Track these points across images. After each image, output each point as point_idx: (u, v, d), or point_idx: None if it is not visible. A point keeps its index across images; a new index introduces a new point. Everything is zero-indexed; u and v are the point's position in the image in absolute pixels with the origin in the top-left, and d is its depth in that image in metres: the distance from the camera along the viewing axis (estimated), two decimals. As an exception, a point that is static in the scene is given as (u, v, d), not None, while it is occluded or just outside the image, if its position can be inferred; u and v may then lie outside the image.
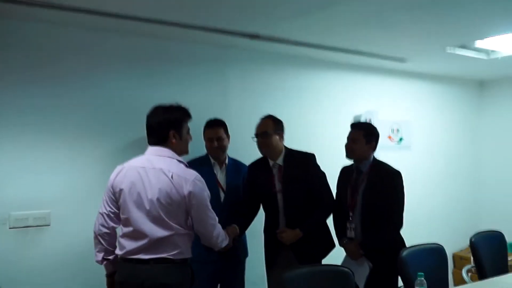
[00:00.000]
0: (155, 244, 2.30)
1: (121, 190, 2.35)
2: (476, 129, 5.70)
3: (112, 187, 2.40)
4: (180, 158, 2.43)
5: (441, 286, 2.92)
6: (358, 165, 3.10)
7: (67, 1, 2.60)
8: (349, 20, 3.10)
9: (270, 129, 3.04)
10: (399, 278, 2.87)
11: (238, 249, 3.16)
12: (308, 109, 4.16)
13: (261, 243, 3.25)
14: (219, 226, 2.50)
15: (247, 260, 3.38)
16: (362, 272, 2.97)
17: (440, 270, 3.02)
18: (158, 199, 2.28)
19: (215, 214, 2.46)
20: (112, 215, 2.41)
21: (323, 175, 3.17)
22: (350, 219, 3.08)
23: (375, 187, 3.00)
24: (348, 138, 3.11)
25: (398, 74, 4.87)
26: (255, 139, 3.10)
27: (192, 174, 2.36)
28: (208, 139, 3.16)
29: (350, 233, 3.08)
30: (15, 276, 2.85)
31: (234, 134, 3.42)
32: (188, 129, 2.53)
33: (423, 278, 2.30)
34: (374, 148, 3.10)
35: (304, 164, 3.09)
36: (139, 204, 2.31)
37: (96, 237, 2.44)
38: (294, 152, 3.13)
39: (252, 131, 3.24)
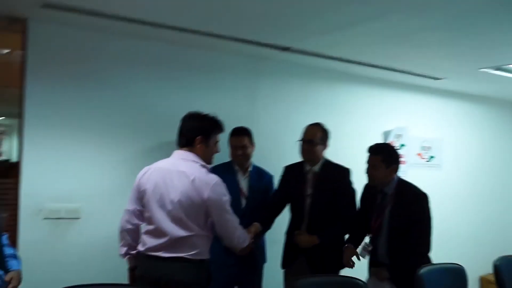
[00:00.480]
0: (175, 243, 2.39)
1: (145, 189, 2.46)
2: (509, 150, 5.58)
3: (138, 186, 2.51)
4: (203, 163, 2.51)
5: (459, 308, 2.90)
6: (382, 188, 2.99)
7: (105, 8, 2.75)
8: (382, 37, 3.13)
9: (317, 138, 3.12)
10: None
11: (256, 254, 3.19)
12: (338, 122, 4.15)
13: (280, 251, 3.30)
14: (240, 229, 2.56)
15: (267, 267, 3.42)
16: None
17: (458, 290, 2.99)
18: (179, 201, 2.37)
19: (235, 217, 2.52)
20: (137, 213, 2.53)
21: (353, 191, 3.20)
22: (370, 241, 3.05)
23: (401, 210, 2.91)
24: (367, 163, 3.00)
25: (431, 92, 4.84)
26: (299, 142, 3.16)
27: (213, 178, 2.43)
28: (233, 147, 3.23)
29: (376, 256, 3.03)
30: (44, 264, 3.01)
31: (262, 143, 3.50)
32: (217, 141, 2.61)
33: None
34: (396, 170, 2.98)
35: (339, 176, 3.16)
36: (162, 204, 2.41)
37: (121, 232, 2.57)
38: (331, 163, 3.21)
39: (280, 140, 3.33)
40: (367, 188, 3.19)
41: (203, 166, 2.49)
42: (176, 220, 2.39)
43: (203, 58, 3.63)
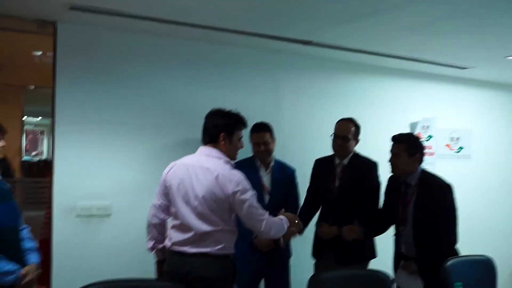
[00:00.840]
0: (200, 238, 2.44)
1: (171, 185, 2.52)
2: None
3: (164, 181, 2.57)
4: (227, 159, 2.55)
5: (487, 300, 2.86)
6: (405, 178, 2.99)
7: (129, 9, 2.83)
8: (405, 26, 3.10)
9: (351, 134, 3.17)
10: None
11: (281, 248, 3.19)
12: (363, 115, 4.07)
13: (307, 243, 3.34)
14: (269, 220, 2.52)
15: (294, 260, 3.44)
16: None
17: (486, 283, 2.94)
18: (203, 196, 2.42)
19: (262, 210, 2.52)
20: (163, 207, 2.59)
21: (378, 185, 3.23)
22: (401, 233, 3.03)
23: (426, 201, 2.89)
24: (390, 152, 3.00)
25: (459, 81, 4.75)
26: (332, 137, 3.21)
27: (236, 174, 2.47)
28: (255, 143, 3.25)
29: (402, 248, 3.03)
30: (77, 260, 3.12)
31: (285, 137, 3.53)
32: (240, 137, 2.65)
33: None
34: (420, 161, 2.97)
35: (366, 169, 3.20)
36: (187, 200, 2.46)
37: (148, 226, 2.64)
38: (360, 156, 3.26)
39: (304, 134, 3.34)
40: (391, 179, 3.18)
41: (227, 162, 2.53)
42: (201, 216, 2.43)
43: (227, 54, 3.67)
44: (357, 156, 3.24)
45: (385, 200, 3.20)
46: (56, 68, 3.14)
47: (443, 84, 4.67)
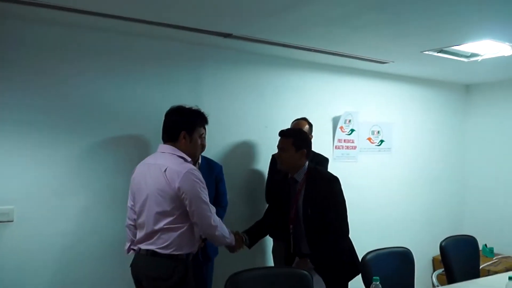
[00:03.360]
0: (150, 236, 2.47)
1: (133, 185, 2.63)
2: (461, 133, 5.68)
3: (131, 182, 2.66)
4: (182, 154, 2.53)
5: (406, 290, 2.91)
6: (292, 175, 2.99)
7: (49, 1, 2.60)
8: (323, 20, 3.05)
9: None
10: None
11: (209, 247, 3.17)
12: (285, 109, 4.12)
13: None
14: (217, 218, 2.55)
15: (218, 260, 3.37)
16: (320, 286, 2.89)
17: (405, 273, 3.00)
18: (154, 194, 2.45)
19: (211, 206, 2.53)
20: (134, 208, 2.63)
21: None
22: (292, 231, 2.98)
23: (313, 196, 2.89)
24: (278, 147, 3.00)
25: (379, 76, 4.84)
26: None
27: (186, 167, 2.45)
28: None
29: (295, 247, 2.98)
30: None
31: (207, 133, 3.39)
32: (201, 134, 2.70)
33: (378, 283, 2.28)
34: (306, 156, 2.96)
35: (317, 162, 3.47)
36: (142, 198, 2.52)
37: (125, 228, 2.71)
38: (314, 152, 3.43)
39: (225, 130, 3.26)
40: (279, 181, 3.16)
41: (180, 157, 2.51)
42: (152, 213, 2.46)
43: (146, 47, 3.47)
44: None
45: (274, 198, 3.21)
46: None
47: (364, 79, 4.74)
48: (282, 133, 3.00)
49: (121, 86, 3.35)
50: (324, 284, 2.82)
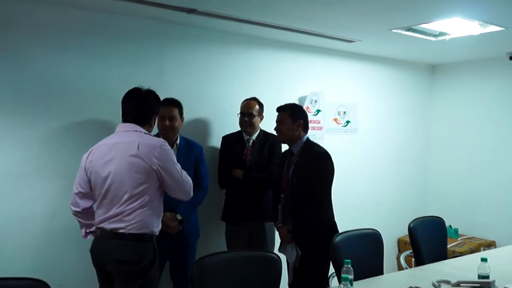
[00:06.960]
0: (118, 214, 2.39)
1: (93, 168, 2.46)
2: (427, 114, 5.65)
3: (84, 168, 2.51)
4: (146, 131, 2.53)
5: (376, 272, 2.87)
6: (290, 147, 3.15)
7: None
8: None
9: (255, 111, 3.56)
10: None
11: (187, 233, 3.18)
12: (250, 89, 3.98)
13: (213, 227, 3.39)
14: (186, 175, 2.57)
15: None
16: (293, 258, 2.89)
17: (375, 254, 2.97)
18: (123, 172, 2.37)
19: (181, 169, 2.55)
20: (82, 195, 2.54)
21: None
22: (282, 200, 3.11)
23: (301, 168, 3.02)
24: (276, 121, 3.17)
25: (346, 55, 4.75)
26: (239, 115, 3.57)
27: (159, 140, 2.49)
28: (160, 116, 3.03)
29: (280, 216, 3.13)
30: None
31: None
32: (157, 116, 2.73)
33: (349, 265, 2.20)
34: (303, 128, 3.12)
35: (273, 142, 3.57)
36: (106, 178, 2.41)
37: (73, 215, 2.60)
38: (267, 132, 3.64)
39: (189, 110, 3.31)
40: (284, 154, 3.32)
41: (146, 133, 2.49)
42: (120, 192, 2.39)
43: (108, 23, 3.30)
44: (264, 132, 3.62)
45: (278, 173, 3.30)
46: None
47: (331, 58, 4.65)
48: (279, 108, 3.18)
49: (80, 64, 3.20)
50: (294, 257, 2.95)
